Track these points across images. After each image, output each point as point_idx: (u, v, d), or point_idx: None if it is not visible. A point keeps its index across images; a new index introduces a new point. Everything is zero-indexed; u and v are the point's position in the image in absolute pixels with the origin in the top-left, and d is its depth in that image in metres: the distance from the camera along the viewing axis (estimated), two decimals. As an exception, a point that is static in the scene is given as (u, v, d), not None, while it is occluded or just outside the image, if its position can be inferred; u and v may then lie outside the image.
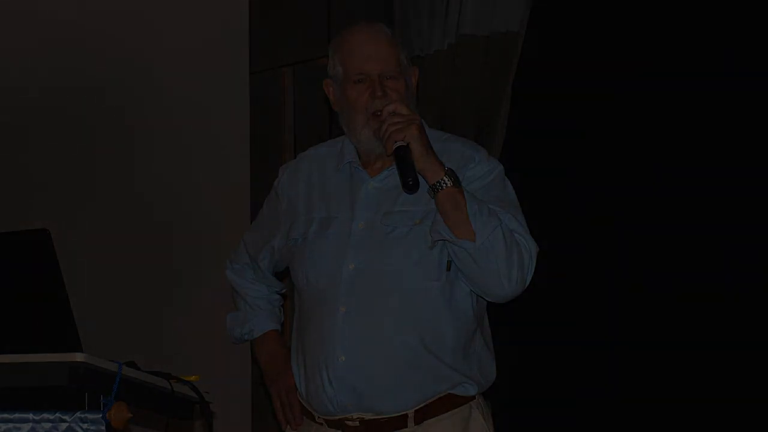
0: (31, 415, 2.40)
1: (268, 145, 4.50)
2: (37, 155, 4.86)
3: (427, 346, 2.73)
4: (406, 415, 2.74)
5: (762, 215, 3.81)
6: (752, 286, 3.83)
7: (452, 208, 2.65)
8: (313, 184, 2.93)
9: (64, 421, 2.39)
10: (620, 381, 3.98)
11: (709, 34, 3.88)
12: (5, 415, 2.40)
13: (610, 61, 4.01)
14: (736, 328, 3.83)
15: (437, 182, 2.66)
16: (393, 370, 2.72)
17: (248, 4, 4.56)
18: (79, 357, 2.41)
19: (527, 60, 4.07)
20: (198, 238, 4.57)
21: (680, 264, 3.92)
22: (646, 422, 3.94)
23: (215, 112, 4.61)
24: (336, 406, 2.75)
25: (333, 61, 2.86)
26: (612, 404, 3.99)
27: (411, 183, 2.65)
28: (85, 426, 2.39)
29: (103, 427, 2.39)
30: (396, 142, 2.66)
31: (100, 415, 2.40)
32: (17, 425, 2.40)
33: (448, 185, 2.65)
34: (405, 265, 2.74)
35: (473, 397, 2.80)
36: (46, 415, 2.40)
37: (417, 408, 2.74)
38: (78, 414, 2.40)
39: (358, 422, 2.76)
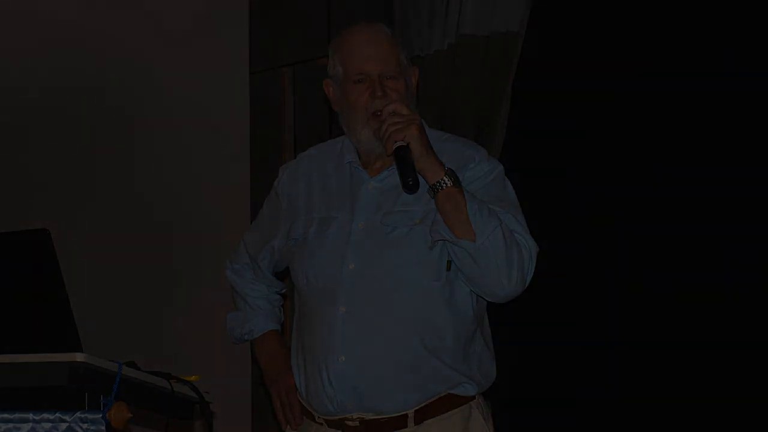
0: (31, 415, 2.40)
1: (268, 145, 4.50)
2: (37, 155, 4.86)
3: (427, 346, 2.73)
4: (406, 415, 2.74)
5: (762, 215, 3.81)
6: (752, 286, 3.83)
7: (452, 208, 2.65)
8: (313, 184, 2.93)
9: (64, 421, 2.39)
10: (620, 381, 3.98)
11: (709, 34, 3.88)
12: (5, 415, 2.40)
13: (610, 61, 4.01)
14: (736, 328, 3.83)
15: (437, 182, 2.66)
16: (393, 370, 2.72)
17: (248, 4, 4.56)
18: (79, 357, 2.41)
19: (527, 60, 4.07)
20: (198, 238, 4.57)
21: (680, 264, 3.92)
22: (646, 422, 3.94)
23: (215, 112, 4.61)
24: (336, 406, 2.75)
25: (333, 61, 2.86)
26: (612, 404, 3.99)
27: (411, 183, 2.65)
28: (85, 426, 2.39)
29: (103, 427, 2.39)
30: (396, 142, 2.66)
31: (100, 415, 2.40)
32: (17, 425, 2.40)
33: (448, 185, 2.65)
34: (405, 265, 2.74)
35: (473, 397, 2.80)
36: (46, 415, 2.40)
37: (417, 408, 2.74)
38: (78, 414, 2.40)
39: (358, 422, 2.76)
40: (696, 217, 3.90)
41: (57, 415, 2.39)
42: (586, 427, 4.04)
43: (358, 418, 2.76)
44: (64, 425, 2.39)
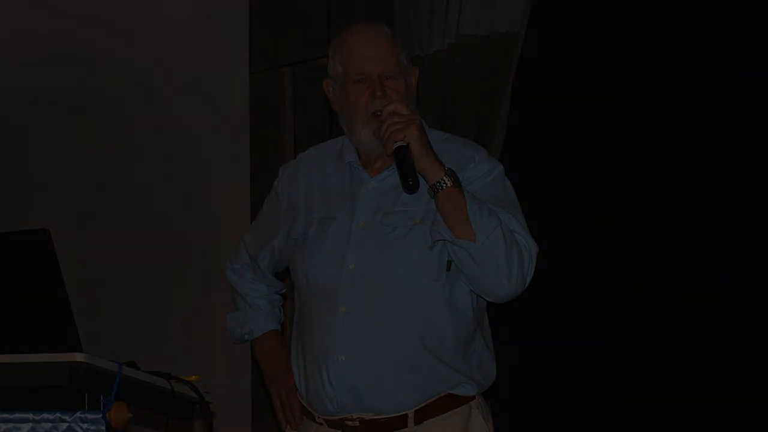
0: (31, 415, 2.40)
1: (268, 145, 4.50)
2: (37, 155, 4.86)
3: (427, 346, 2.73)
4: (406, 415, 2.74)
5: (762, 215, 3.81)
6: (752, 286, 3.82)
7: (452, 208, 2.65)
8: (313, 184, 2.93)
9: (64, 421, 2.39)
10: (620, 381, 3.98)
11: (709, 34, 3.88)
12: (5, 415, 2.40)
13: (610, 61, 4.01)
14: (736, 328, 3.83)
15: (437, 182, 2.66)
16: (393, 370, 2.72)
17: (248, 4, 4.56)
18: (79, 357, 2.40)
19: (527, 60, 4.07)
20: (198, 238, 4.58)
21: (680, 264, 3.92)
22: (646, 422, 3.94)
23: (215, 112, 4.61)
24: (336, 406, 2.75)
25: (333, 61, 2.86)
26: (612, 404, 3.99)
27: (411, 183, 2.65)
28: (85, 426, 2.39)
29: (103, 427, 2.39)
30: (396, 142, 2.66)
31: (100, 415, 2.40)
32: (17, 425, 2.40)
33: (448, 185, 2.65)
34: (405, 265, 2.74)
35: (473, 397, 2.80)
36: (46, 415, 2.40)
37: (417, 408, 2.74)
38: (78, 414, 2.40)
39: (358, 422, 2.76)
40: (696, 217, 3.90)
41: (57, 415, 2.40)
42: (586, 427, 4.04)
43: (358, 418, 2.76)
44: (64, 425, 2.39)
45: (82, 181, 4.80)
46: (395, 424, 2.74)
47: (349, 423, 2.76)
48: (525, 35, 4.05)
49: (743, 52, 3.85)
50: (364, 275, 2.75)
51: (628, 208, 3.99)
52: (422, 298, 2.74)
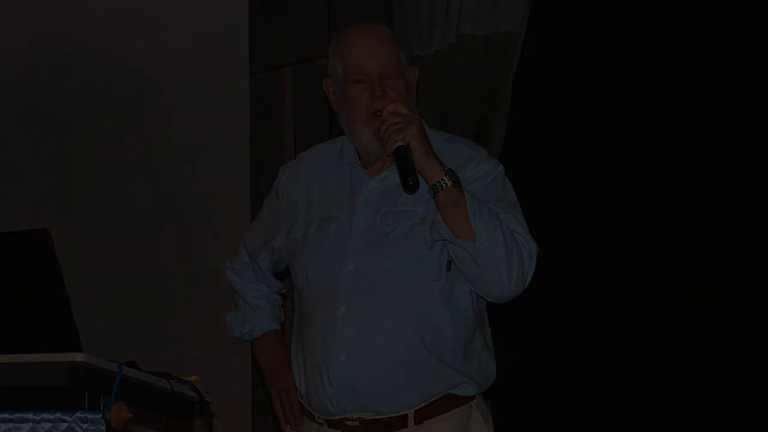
0: (31, 415, 2.40)
1: (268, 145, 4.50)
2: (37, 155, 4.86)
3: (427, 346, 2.73)
4: (406, 415, 2.74)
5: (762, 215, 3.81)
6: (752, 286, 3.82)
7: (452, 208, 2.65)
8: (313, 184, 2.93)
9: (64, 421, 2.39)
10: (620, 381, 3.98)
11: (709, 34, 3.88)
12: (5, 415, 2.40)
13: (610, 61, 4.01)
14: (736, 328, 3.83)
15: (437, 182, 2.66)
16: (393, 370, 2.72)
17: (248, 4, 4.56)
18: (79, 357, 2.40)
19: (527, 60, 4.07)
20: (198, 238, 4.57)
21: (680, 264, 3.92)
22: (646, 422, 3.94)
23: (215, 112, 4.61)
24: (336, 406, 2.76)
25: (333, 61, 2.86)
26: (612, 404, 3.99)
27: (411, 183, 2.65)
28: (85, 426, 2.39)
29: (103, 427, 2.39)
30: (396, 142, 2.66)
31: (100, 415, 2.40)
32: (17, 425, 2.40)
33: (448, 185, 2.65)
34: (405, 265, 2.74)
35: (473, 397, 2.80)
36: (46, 415, 2.40)
37: (417, 408, 2.74)
38: (78, 414, 2.40)
39: (358, 422, 2.76)
40: (696, 217, 3.90)
41: (57, 415, 2.39)
42: (586, 427, 4.04)
43: (358, 418, 2.76)
44: (64, 425, 2.39)
45: (82, 181, 4.80)
46: (395, 424, 2.74)
47: (349, 423, 2.76)
48: (525, 35, 4.05)
49: (743, 52, 3.85)
50: (364, 275, 2.75)
51: (628, 208, 3.99)
52: (422, 298, 2.74)
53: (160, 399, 2.65)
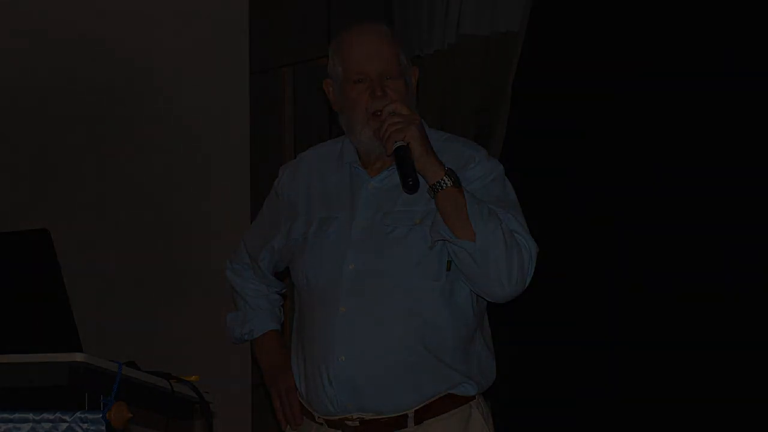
0: (31, 415, 2.40)
1: (268, 145, 4.50)
2: (37, 155, 4.86)
3: (427, 346, 2.73)
4: (406, 415, 2.74)
5: (762, 215, 3.81)
6: (752, 286, 3.82)
7: (452, 208, 2.65)
8: (313, 184, 2.93)
9: (64, 421, 2.39)
10: (620, 381, 3.98)
11: (709, 34, 3.88)
12: (5, 415, 2.40)
13: (610, 61, 4.01)
14: (736, 328, 3.83)
15: (437, 182, 2.65)
16: (393, 370, 2.72)
17: (248, 4, 4.56)
18: (79, 357, 2.40)
19: (527, 60, 4.07)
20: (198, 238, 4.57)
21: (680, 264, 3.92)
22: (646, 422, 3.94)
23: (215, 112, 4.61)
24: (336, 406, 2.75)
25: (333, 61, 2.86)
26: (612, 404, 3.99)
27: (411, 183, 2.65)
28: (85, 426, 2.39)
29: (103, 427, 2.39)
30: (396, 142, 2.66)
31: (100, 415, 2.40)
32: (17, 425, 2.40)
33: (448, 185, 2.65)
34: (405, 265, 2.74)
35: (473, 397, 2.80)
36: (46, 415, 2.40)
37: (417, 408, 2.74)
38: (78, 414, 2.40)
39: (358, 422, 2.76)
40: (696, 217, 3.90)
41: (57, 415, 2.39)
42: (586, 427, 4.04)
43: (358, 418, 2.76)
44: (64, 425, 2.39)
45: (82, 181, 4.79)
46: (395, 424, 2.74)
47: (349, 423, 2.76)
48: (525, 35, 4.05)
49: (743, 52, 3.85)
50: (364, 275, 2.75)
51: (628, 208, 3.99)
52: (422, 298, 2.74)
53: (160, 399, 2.65)
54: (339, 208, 2.84)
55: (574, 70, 4.06)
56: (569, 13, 4.09)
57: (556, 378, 4.06)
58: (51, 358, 2.42)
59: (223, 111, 4.60)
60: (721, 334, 3.84)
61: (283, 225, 2.94)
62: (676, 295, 3.92)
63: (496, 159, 2.90)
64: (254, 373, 4.25)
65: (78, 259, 4.22)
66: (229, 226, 4.38)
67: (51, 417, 2.39)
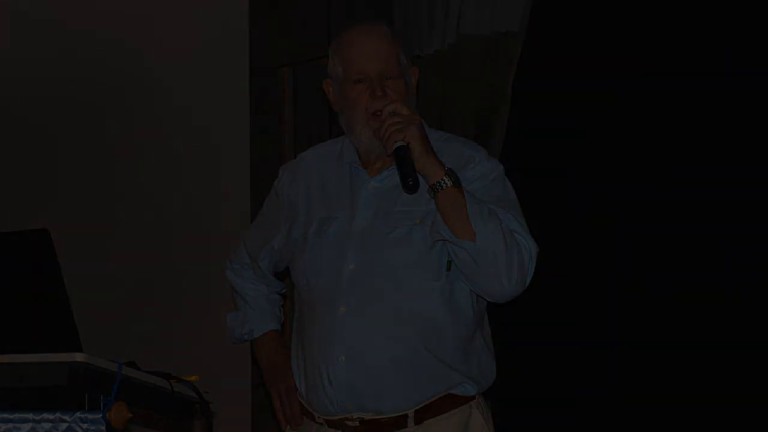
0: (31, 415, 2.40)
1: (268, 145, 4.49)
2: (37, 155, 4.86)
3: (427, 346, 2.73)
4: (406, 415, 2.74)
5: (762, 215, 3.81)
6: (752, 286, 3.82)
7: (452, 208, 2.65)
8: (313, 184, 2.93)
9: (64, 421, 2.39)
10: (620, 381, 3.98)
11: (709, 34, 3.88)
12: (5, 415, 2.40)
13: (610, 61, 4.01)
14: (736, 328, 3.83)
15: (437, 182, 2.65)
16: (393, 370, 2.72)
17: (248, 4, 4.56)
18: (79, 357, 2.41)
19: (527, 60, 4.07)
20: (198, 238, 4.57)
21: (680, 264, 3.92)
22: (646, 422, 3.94)
23: (215, 112, 4.61)
24: (336, 406, 2.75)
25: (333, 61, 2.86)
26: (612, 404, 3.99)
27: (411, 183, 2.64)
28: (85, 426, 2.39)
29: (103, 427, 2.39)
30: (396, 142, 2.66)
31: (100, 415, 2.40)
32: (17, 425, 2.40)
33: (448, 185, 2.65)
34: (405, 265, 2.74)
35: (473, 397, 2.80)
36: (46, 415, 2.40)
37: (417, 408, 2.74)
38: (78, 414, 2.40)
39: (358, 422, 2.76)
40: (696, 217, 3.90)
41: (57, 415, 2.39)
42: (586, 427, 4.04)
43: (358, 418, 2.75)
44: (64, 425, 2.39)
45: (82, 181, 4.80)
46: (395, 424, 2.74)
47: (349, 423, 2.76)
48: (525, 35, 4.05)
49: (743, 52, 3.85)
50: (364, 275, 2.75)
51: (628, 208, 3.99)
52: (422, 298, 2.74)
53: (160, 399, 2.65)
54: (339, 208, 2.84)
55: (574, 70, 4.06)
56: (569, 13, 4.09)
57: (556, 378, 4.06)
58: (51, 358, 2.42)
59: (223, 111, 4.60)
60: (721, 334, 3.84)
61: (283, 225, 2.94)
62: (676, 295, 3.92)
63: (496, 159, 2.90)
64: (254, 373, 4.25)
65: (78, 259, 4.22)
66: (229, 226, 4.38)
67: (51, 417, 2.39)
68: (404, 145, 2.66)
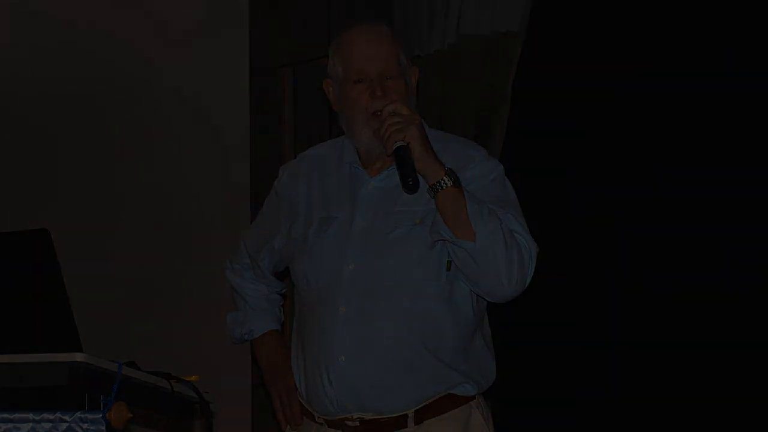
0: (31, 415, 2.40)
1: (268, 145, 4.49)
2: (37, 155, 4.86)
3: (427, 346, 2.73)
4: (406, 415, 2.74)
5: (762, 215, 3.81)
6: (752, 286, 3.82)
7: (452, 208, 2.65)
8: (313, 184, 2.93)
9: (64, 421, 2.39)
10: (620, 381, 3.98)
11: (709, 34, 3.88)
12: (5, 415, 2.40)
13: (610, 61, 4.01)
14: (736, 328, 3.83)
15: (437, 182, 2.65)
16: (393, 370, 2.72)
17: (248, 4, 4.56)
18: (79, 357, 2.41)
19: (527, 60, 4.07)
20: (198, 239, 4.57)
21: (680, 264, 3.92)
22: (646, 422, 3.94)
23: (215, 112, 4.61)
24: (336, 406, 2.75)
25: (333, 61, 2.86)
26: (612, 404, 3.99)
27: (411, 183, 2.64)
28: (85, 426, 2.39)
29: (103, 427, 2.39)
30: (396, 142, 2.66)
31: (100, 415, 2.40)
32: (17, 425, 2.40)
33: (448, 185, 2.65)
34: (405, 266, 2.74)
35: (473, 397, 2.80)
36: (46, 415, 2.40)
37: (417, 408, 2.74)
38: (78, 414, 2.40)
39: (358, 422, 2.76)
40: (696, 217, 3.90)
41: (57, 415, 2.39)
42: (586, 427, 4.04)
43: (358, 418, 2.75)
44: (64, 425, 2.39)
45: (82, 181, 4.80)
46: (395, 424, 2.74)
47: (349, 423, 2.76)
48: (525, 35, 4.05)
49: (743, 52, 3.85)
50: (364, 275, 2.75)
51: (628, 208, 3.99)
52: (422, 298, 2.74)
53: (160, 399, 2.65)
54: (339, 208, 2.84)
55: (574, 70, 4.06)
56: (569, 13, 4.09)
57: (556, 378, 4.06)
58: (51, 358, 2.42)
59: (223, 111, 4.60)
60: (721, 334, 3.84)
61: (283, 225, 2.94)
62: (676, 295, 3.92)
63: (496, 159, 2.90)
64: (254, 373, 4.25)
65: (78, 259, 4.22)
66: (229, 226, 4.38)
67: (51, 417, 2.39)
68: (404, 145, 2.66)
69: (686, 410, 3.88)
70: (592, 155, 4.05)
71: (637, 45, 3.98)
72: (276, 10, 4.54)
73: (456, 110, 4.10)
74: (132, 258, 4.66)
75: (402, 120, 2.67)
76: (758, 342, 3.80)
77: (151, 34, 4.72)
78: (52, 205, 4.76)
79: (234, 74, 4.57)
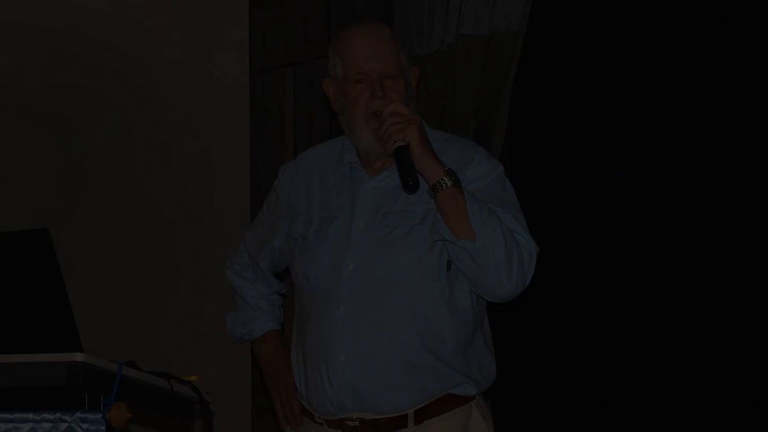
0: (31, 415, 2.40)
1: (268, 145, 4.50)
2: (37, 156, 4.86)
3: (427, 346, 2.73)
4: (406, 415, 2.74)
5: (762, 215, 3.81)
6: (752, 286, 3.82)
7: (452, 208, 2.65)
8: (313, 184, 2.93)
9: (64, 421, 2.39)
10: (620, 381, 3.98)
11: (709, 34, 3.88)
12: (5, 415, 2.40)
13: (610, 61, 4.01)
14: (736, 328, 3.83)
15: (437, 182, 2.65)
16: (393, 370, 2.72)
17: (248, 4, 4.56)
18: (79, 357, 2.40)
19: (527, 60, 4.07)
20: (198, 239, 4.58)
21: (680, 264, 3.92)
22: (646, 422, 3.94)
23: (215, 112, 4.61)
24: (336, 405, 2.76)
25: (333, 60, 2.86)
26: (612, 404, 3.99)
27: (411, 183, 2.65)
28: (85, 426, 2.39)
29: (103, 427, 2.39)
30: (396, 142, 2.66)
31: (100, 415, 2.39)
32: (17, 425, 2.40)
33: (448, 185, 2.65)
34: (405, 265, 2.74)
35: (473, 397, 2.80)
36: (46, 415, 2.40)
37: (417, 408, 2.74)
38: (78, 414, 2.40)
39: (357, 422, 2.76)
40: (696, 216, 3.89)
41: (57, 415, 2.39)
42: (586, 427, 4.04)
43: (357, 418, 2.76)
44: (64, 425, 2.39)
45: (82, 181, 4.80)
46: (395, 424, 2.74)
47: (349, 423, 2.76)
48: (525, 35, 4.05)
49: (743, 52, 3.85)
50: (364, 275, 2.75)
51: (628, 208, 3.99)
52: (422, 298, 2.74)
53: (160, 399, 2.64)
54: (339, 208, 2.84)
55: (574, 70, 4.06)
56: (569, 13, 4.09)
57: (556, 378, 4.06)
58: (51, 358, 2.41)
59: (223, 111, 4.60)
60: (721, 334, 3.84)
61: (283, 225, 2.94)
62: (676, 295, 3.92)
63: (496, 159, 2.90)
64: (254, 373, 4.26)
65: (78, 259, 4.22)
66: (229, 226, 4.38)
67: (51, 417, 2.39)
68: (404, 145, 2.66)
69: (686, 410, 3.88)
70: (592, 155, 4.05)
71: (637, 45, 3.98)
72: (276, 10, 4.54)
73: (456, 110, 4.10)
74: (132, 258, 4.66)
75: (402, 120, 2.67)
76: (758, 342, 3.79)
77: (150, 33, 4.72)
78: (52, 205, 4.76)
79: (234, 74, 4.58)
